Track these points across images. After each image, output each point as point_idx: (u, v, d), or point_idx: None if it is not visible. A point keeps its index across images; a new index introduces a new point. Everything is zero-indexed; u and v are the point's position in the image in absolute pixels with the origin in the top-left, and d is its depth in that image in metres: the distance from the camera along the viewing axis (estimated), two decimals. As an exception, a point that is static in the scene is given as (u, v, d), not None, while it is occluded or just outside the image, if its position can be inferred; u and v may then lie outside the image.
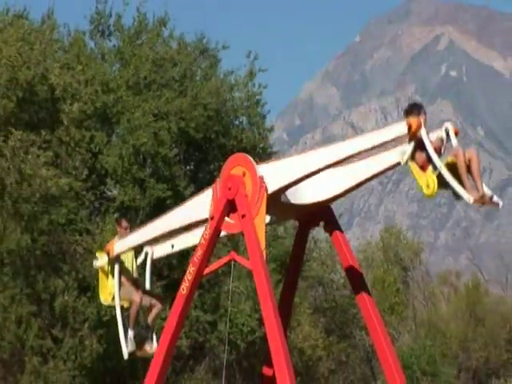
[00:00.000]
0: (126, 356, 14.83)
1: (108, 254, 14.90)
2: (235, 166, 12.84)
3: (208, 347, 34.26)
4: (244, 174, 12.71)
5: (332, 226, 13.53)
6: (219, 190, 12.82)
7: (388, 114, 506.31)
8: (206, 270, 13.03)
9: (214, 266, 13.13)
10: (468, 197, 12.20)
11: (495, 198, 12.75)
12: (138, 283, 15.20)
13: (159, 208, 33.89)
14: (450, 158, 12.48)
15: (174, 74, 35.65)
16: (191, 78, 36.33)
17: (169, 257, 34.43)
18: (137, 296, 14.82)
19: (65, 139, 32.10)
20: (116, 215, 33.13)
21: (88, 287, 31.18)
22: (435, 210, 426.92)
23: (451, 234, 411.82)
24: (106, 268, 15.01)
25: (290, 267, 14.48)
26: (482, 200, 12.47)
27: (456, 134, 12.51)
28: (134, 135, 33.53)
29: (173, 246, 15.29)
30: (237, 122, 37.74)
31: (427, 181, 12.41)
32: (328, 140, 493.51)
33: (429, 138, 12.28)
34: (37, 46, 32.53)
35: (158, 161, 33.68)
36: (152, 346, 14.96)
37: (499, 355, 41.20)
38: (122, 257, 15.06)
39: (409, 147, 12.30)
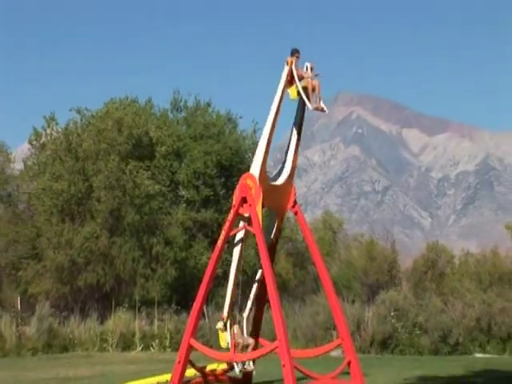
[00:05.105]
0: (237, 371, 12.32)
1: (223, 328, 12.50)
2: (246, 179, 12.79)
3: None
4: (251, 185, 12.65)
5: (296, 210, 13.47)
6: (237, 191, 12.75)
7: (325, 152, 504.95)
8: (231, 233, 12.98)
9: (234, 231, 13.06)
10: (309, 105, 12.09)
11: (325, 108, 12.35)
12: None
13: (207, 201, 33.81)
14: (303, 83, 12.11)
15: (214, 131, 35.56)
16: (223, 133, 36.22)
17: (207, 228, 34.59)
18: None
19: (157, 165, 32.10)
20: (184, 205, 32.96)
21: (169, 242, 31.13)
22: (350, 203, 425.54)
23: (359, 214, 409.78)
24: (222, 329, 12.44)
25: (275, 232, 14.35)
26: (318, 109, 12.27)
27: (311, 68, 12.19)
28: (194, 163, 33.44)
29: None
30: (247, 156, 37.62)
31: (294, 91, 12.17)
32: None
33: (295, 70, 11.95)
34: (142, 117, 32.60)
35: (206, 176, 33.55)
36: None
37: (383, 277, 41.11)
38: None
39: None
